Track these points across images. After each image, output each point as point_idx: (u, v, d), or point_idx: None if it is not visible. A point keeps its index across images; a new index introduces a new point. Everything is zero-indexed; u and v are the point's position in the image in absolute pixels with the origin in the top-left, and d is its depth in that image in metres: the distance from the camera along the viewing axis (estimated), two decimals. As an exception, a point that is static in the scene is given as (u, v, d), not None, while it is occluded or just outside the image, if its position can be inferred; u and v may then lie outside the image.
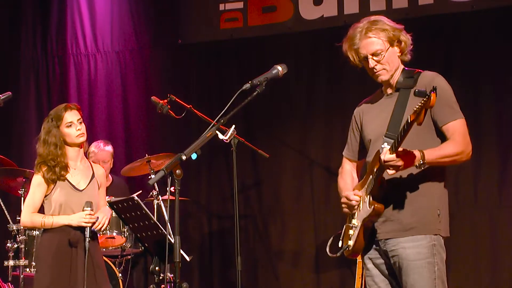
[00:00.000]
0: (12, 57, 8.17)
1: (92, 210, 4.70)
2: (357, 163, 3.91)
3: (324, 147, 7.19)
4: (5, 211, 6.26)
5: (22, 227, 5.94)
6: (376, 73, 3.66)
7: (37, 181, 4.80)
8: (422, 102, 3.18)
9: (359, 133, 3.84)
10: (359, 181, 3.83)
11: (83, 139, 4.85)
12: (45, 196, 4.80)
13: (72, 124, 4.81)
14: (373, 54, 3.63)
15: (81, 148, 4.90)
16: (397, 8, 6.83)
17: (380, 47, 3.62)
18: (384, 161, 3.34)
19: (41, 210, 4.86)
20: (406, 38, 3.67)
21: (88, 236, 4.64)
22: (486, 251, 6.58)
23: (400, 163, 3.34)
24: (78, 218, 4.69)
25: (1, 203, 6.30)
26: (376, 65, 3.64)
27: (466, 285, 6.53)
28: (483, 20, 6.69)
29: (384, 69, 3.65)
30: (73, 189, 4.79)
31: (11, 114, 7.84)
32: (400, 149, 3.34)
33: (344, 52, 3.74)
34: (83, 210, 4.71)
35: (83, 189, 4.83)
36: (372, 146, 3.68)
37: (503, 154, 6.60)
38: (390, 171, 3.37)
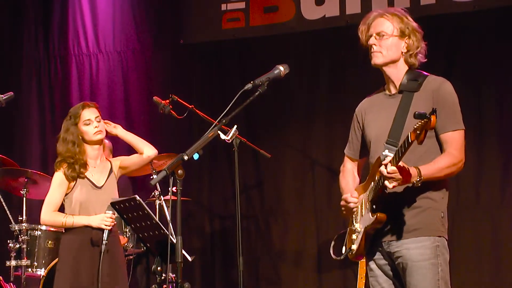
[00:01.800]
0: (14, 57, 8.18)
1: (114, 213, 4.69)
2: (359, 161, 3.90)
3: (326, 147, 7.19)
4: (7, 211, 6.26)
5: (24, 227, 5.95)
6: (372, 53, 3.65)
7: (58, 179, 4.81)
8: (422, 122, 3.16)
9: (361, 132, 3.82)
10: (360, 181, 3.83)
11: (100, 136, 4.85)
12: (66, 194, 4.82)
13: (90, 121, 4.82)
14: (377, 33, 3.63)
15: (100, 145, 4.91)
16: (399, 8, 6.83)
17: (387, 30, 3.62)
18: (388, 173, 3.32)
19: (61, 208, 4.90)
20: (415, 40, 3.64)
21: (105, 239, 4.64)
22: (488, 252, 6.57)
23: (399, 176, 3.31)
24: (98, 220, 4.70)
25: (3, 203, 6.31)
26: (374, 44, 3.63)
27: (468, 286, 6.52)
28: (485, 20, 6.69)
29: (380, 52, 3.63)
30: (93, 187, 4.81)
31: (13, 114, 7.85)
32: (400, 163, 3.31)
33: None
34: (105, 213, 4.71)
35: (102, 186, 4.85)
36: (373, 147, 3.66)
37: (505, 154, 6.59)
38: (390, 185, 3.33)
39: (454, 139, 3.53)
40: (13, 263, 5.96)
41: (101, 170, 4.91)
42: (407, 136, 3.24)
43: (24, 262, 5.92)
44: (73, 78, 8.05)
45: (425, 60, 3.71)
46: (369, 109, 3.80)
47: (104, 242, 4.63)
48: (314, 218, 7.18)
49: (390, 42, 3.62)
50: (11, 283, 6.07)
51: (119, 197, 5.25)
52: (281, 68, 3.73)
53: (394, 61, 3.66)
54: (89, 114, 4.84)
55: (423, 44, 3.68)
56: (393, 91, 3.69)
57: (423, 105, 3.45)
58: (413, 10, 6.69)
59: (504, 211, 6.56)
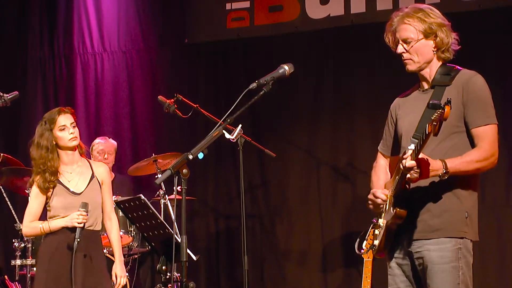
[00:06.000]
0: (19, 57, 8.19)
1: (86, 211, 4.65)
2: (391, 158, 3.84)
3: (330, 146, 7.17)
4: (12, 211, 6.28)
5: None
6: (404, 61, 3.64)
7: (34, 192, 4.82)
8: (438, 113, 3.12)
9: (394, 128, 3.79)
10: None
11: (75, 142, 4.82)
12: (46, 203, 4.81)
13: (65, 127, 4.79)
14: (403, 41, 3.60)
15: (74, 151, 4.88)
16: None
17: (412, 36, 3.58)
18: (405, 167, 3.30)
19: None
20: (445, 35, 3.59)
21: (77, 237, 4.60)
22: (493, 251, 6.55)
23: (417, 169, 3.28)
24: (70, 219, 4.68)
25: (8, 202, 6.32)
26: (403, 52, 3.61)
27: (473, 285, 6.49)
28: (490, 19, 6.67)
29: (411, 59, 3.61)
30: (70, 193, 4.77)
31: (18, 114, 7.86)
32: (423, 156, 3.28)
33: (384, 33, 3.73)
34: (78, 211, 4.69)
35: (81, 192, 4.80)
36: (403, 142, 3.63)
37: (510, 154, 6.58)
38: (412, 176, 3.32)
39: (486, 134, 3.47)
40: (18, 262, 5.98)
41: (80, 175, 4.86)
42: (425, 129, 3.21)
43: (29, 261, 5.93)
44: (78, 77, 8.06)
45: (459, 47, 3.66)
46: (402, 104, 3.77)
47: (76, 240, 4.60)
48: (319, 217, 7.18)
49: (418, 47, 3.59)
50: (16, 282, 6.09)
51: (113, 192, 5.26)
52: (286, 67, 3.72)
53: (428, 63, 3.63)
54: (65, 120, 4.81)
55: (453, 34, 3.63)
56: (426, 86, 3.66)
57: (453, 99, 3.33)
58: (418, 9, 6.73)
59: (510, 210, 6.55)
